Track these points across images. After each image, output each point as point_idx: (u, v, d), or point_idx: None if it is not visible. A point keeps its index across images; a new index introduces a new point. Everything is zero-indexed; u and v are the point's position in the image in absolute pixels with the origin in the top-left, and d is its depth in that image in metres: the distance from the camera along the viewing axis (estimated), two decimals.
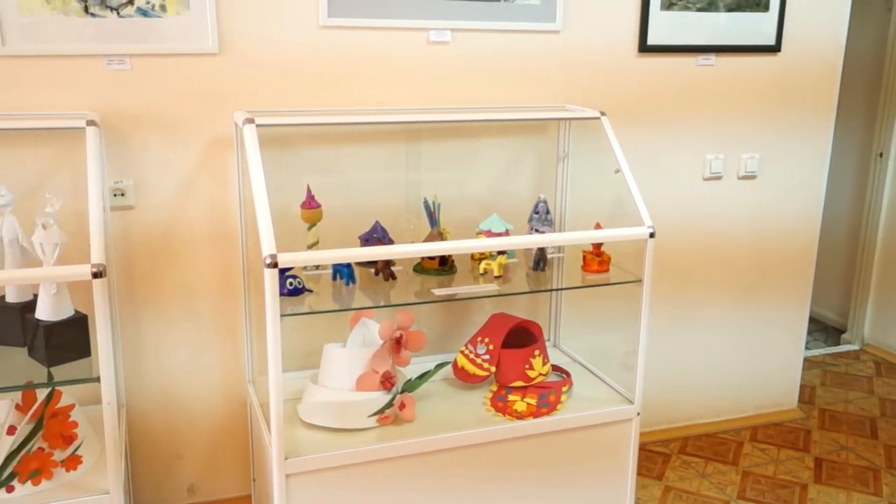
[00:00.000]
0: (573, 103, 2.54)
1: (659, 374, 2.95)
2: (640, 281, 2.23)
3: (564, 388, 2.32)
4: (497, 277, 2.29)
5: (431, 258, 2.30)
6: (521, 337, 2.38)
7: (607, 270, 2.38)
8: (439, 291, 2.20)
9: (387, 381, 2.14)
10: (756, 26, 2.72)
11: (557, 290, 2.62)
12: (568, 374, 2.44)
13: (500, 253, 2.30)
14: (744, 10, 2.69)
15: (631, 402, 2.31)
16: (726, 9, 2.66)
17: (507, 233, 2.29)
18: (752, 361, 3.11)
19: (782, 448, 3.00)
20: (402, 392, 2.21)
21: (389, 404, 2.15)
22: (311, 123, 2.28)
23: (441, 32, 2.36)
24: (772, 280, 3.04)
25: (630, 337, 2.33)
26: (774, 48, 2.77)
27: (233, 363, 2.43)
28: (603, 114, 2.33)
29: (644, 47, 2.60)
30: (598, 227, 2.40)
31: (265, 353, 1.91)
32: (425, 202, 2.34)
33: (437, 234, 2.30)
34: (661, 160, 2.75)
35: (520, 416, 2.20)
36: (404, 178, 2.45)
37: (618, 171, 2.26)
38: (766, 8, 2.71)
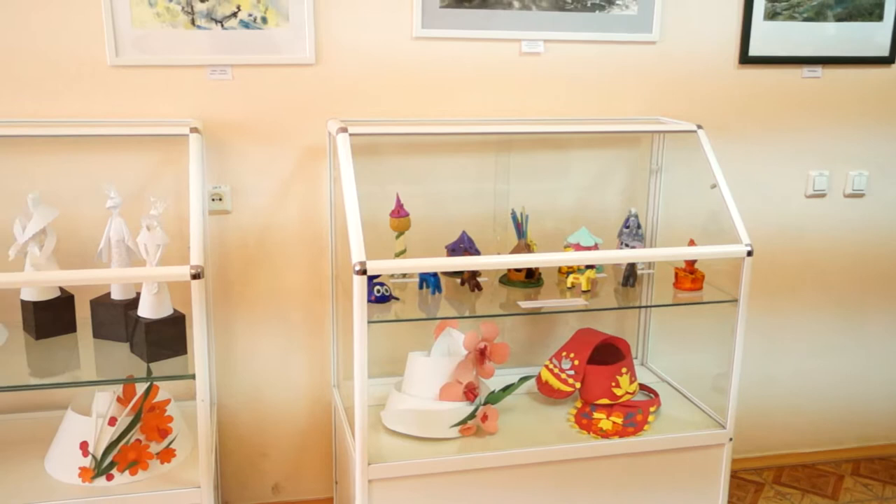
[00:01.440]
0: (668, 116, 2.49)
1: (753, 397, 2.83)
2: (735, 301, 2.16)
3: (652, 409, 2.27)
4: (585, 292, 2.25)
5: (518, 270, 2.29)
6: (608, 353, 2.33)
7: (700, 288, 2.31)
8: (525, 304, 2.18)
9: (470, 392, 2.14)
10: (868, 37, 2.59)
11: (647, 307, 2.55)
12: (656, 394, 2.38)
13: (589, 267, 2.27)
14: (855, 20, 2.57)
15: (723, 427, 2.23)
16: (835, 18, 2.55)
17: (596, 247, 2.25)
18: (854, 389, 2.95)
19: (888, 485, 2.83)
20: (485, 404, 2.20)
21: (472, 415, 2.15)
22: (402, 133, 2.31)
23: (534, 43, 2.36)
24: (878, 304, 2.88)
25: (723, 358, 2.25)
26: (888, 60, 2.63)
27: (319, 367, 2.48)
28: (700, 127, 2.27)
29: (745, 58, 2.51)
30: (691, 243, 2.34)
31: (351, 359, 1.94)
32: (513, 213, 2.34)
33: (525, 246, 2.29)
34: (761, 176, 2.65)
35: (605, 435, 2.16)
36: (492, 188, 2.45)
37: (714, 186, 2.19)
38: (879, 18, 2.59)
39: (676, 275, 2.32)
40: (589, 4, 2.35)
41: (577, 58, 2.40)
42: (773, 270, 2.74)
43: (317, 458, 2.56)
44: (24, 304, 2.08)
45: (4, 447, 2.12)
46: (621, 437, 2.15)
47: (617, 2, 2.36)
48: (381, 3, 2.24)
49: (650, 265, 2.45)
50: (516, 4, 2.31)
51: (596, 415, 2.24)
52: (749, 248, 2.11)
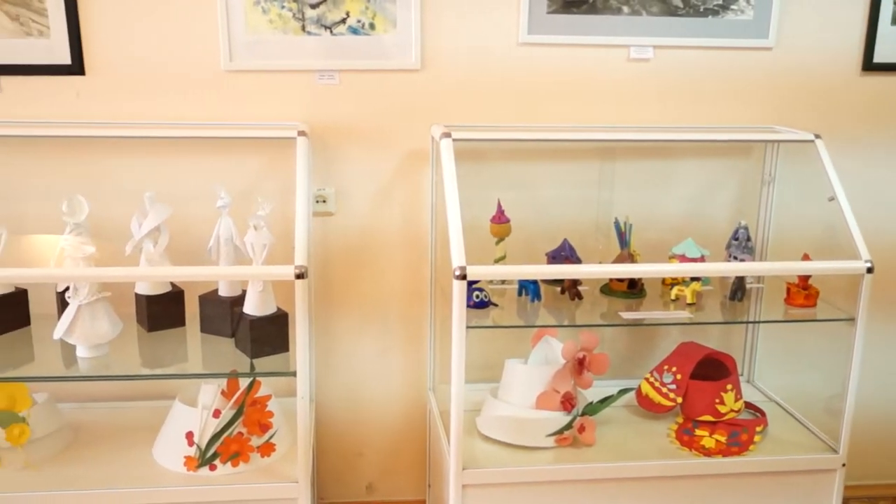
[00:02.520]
0: (782, 124, 2.38)
1: (869, 421, 2.68)
2: (852, 320, 2.04)
3: (758, 428, 2.17)
4: (690, 305, 2.18)
5: (620, 280, 2.24)
6: (712, 369, 2.25)
7: (814, 305, 2.20)
8: (627, 315, 2.13)
9: (567, 402, 2.11)
10: None
11: (756, 322, 2.45)
12: (763, 414, 2.28)
13: (695, 279, 2.20)
14: None
15: (835, 451, 2.12)
16: None
17: (702, 259, 2.18)
18: None
19: None
20: (583, 414, 2.16)
21: (569, 426, 2.11)
22: (506, 139, 2.30)
23: (643, 49, 2.30)
24: None
25: (836, 378, 2.13)
26: None
27: (416, 369, 2.49)
28: (818, 136, 2.17)
29: (869, 65, 2.38)
30: (805, 258, 2.23)
31: (447, 363, 1.94)
32: (616, 222, 2.29)
33: (628, 256, 2.24)
34: (883, 188, 2.51)
35: (707, 453, 2.08)
36: (596, 196, 2.40)
37: (832, 198, 2.09)
38: None
39: (788, 290, 2.21)
40: (702, 9, 2.28)
41: (688, 64, 2.34)
42: (893, 287, 2.59)
43: (411, 459, 2.57)
44: (138, 297, 2.17)
45: (116, 433, 2.22)
46: (725, 456, 2.07)
47: (732, 6, 2.28)
48: (487, 9, 2.24)
49: (760, 279, 2.35)
50: (625, 10, 2.26)
51: (698, 432, 2.16)
52: (869, 265, 2.00)
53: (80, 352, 2.02)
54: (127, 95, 2.21)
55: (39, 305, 2.20)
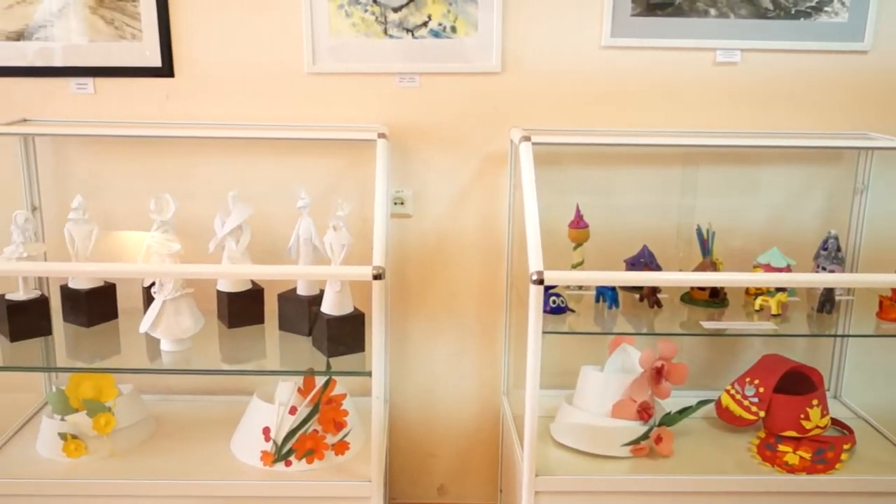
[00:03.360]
0: (877, 131, 2.29)
1: None
2: None
3: (846, 446, 2.09)
4: (774, 316, 2.11)
5: (702, 289, 2.18)
6: (796, 383, 2.17)
7: None
8: (708, 324, 2.08)
9: (644, 412, 2.06)
10: None
11: (845, 336, 2.36)
12: (850, 431, 2.19)
13: (780, 290, 2.13)
14: None
15: None
16: None
17: (788, 268, 2.11)
18: None
19: None
20: (660, 425, 2.11)
21: (645, 436, 2.07)
22: (587, 144, 2.27)
23: (730, 53, 2.24)
24: None
25: None
26: None
27: (490, 373, 2.48)
28: None
29: None
30: None
31: (522, 367, 1.92)
32: (698, 229, 2.23)
33: (710, 264, 2.18)
34: None
35: (791, 470, 2.01)
36: (677, 203, 2.35)
37: None
38: None
39: (881, 303, 2.12)
40: (793, 12, 2.21)
41: (777, 68, 2.26)
42: None
43: (483, 463, 2.56)
44: (220, 294, 2.22)
45: (196, 426, 2.27)
46: (809, 473, 2.00)
47: (825, 8, 2.20)
48: (570, 12, 2.22)
49: (850, 291, 2.26)
50: (713, 12, 2.21)
51: (781, 447, 2.09)
52: None
53: (164, 346, 2.07)
54: (213, 97, 2.26)
55: (127, 300, 2.28)
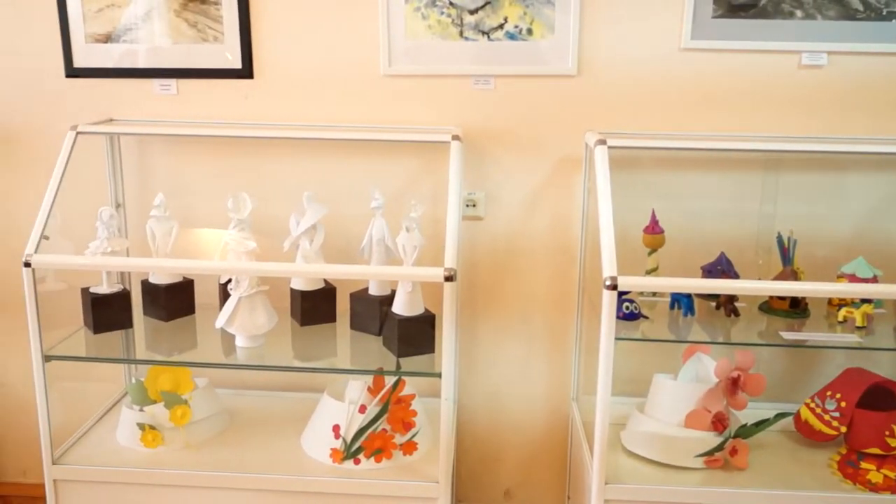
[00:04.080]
0: None
1: None
2: None
3: None
4: (859, 328, 2.04)
5: (782, 298, 2.12)
6: (881, 398, 2.09)
7: None
8: (788, 335, 2.01)
9: (719, 423, 2.01)
10: None
11: None
12: None
13: (865, 301, 2.05)
14: None
15: None
16: None
17: (874, 279, 2.03)
18: None
19: None
20: (735, 437, 2.06)
21: (720, 447, 2.02)
22: (665, 148, 2.22)
23: (816, 55, 2.17)
24: None
25: None
26: None
27: (559, 378, 2.46)
28: None
29: None
30: None
31: (592, 373, 1.90)
32: (779, 237, 2.17)
33: (791, 273, 2.12)
34: None
35: (874, 489, 1.93)
36: (757, 209, 2.29)
37: None
38: None
39: None
40: (884, 13, 2.12)
41: (867, 71, 2.18)
42: None
43: (550, 468, 2.54)
44: (293, 292, 2.26)
45: (268, 421, 2.31)
46: (894, 493, 1.92)
47: None
48: (649, 14, 2.18)
49: None
50: (798, 14, 2.14)
51: (864, 465, 2.01)
52: None
53: (239, 341, 2.12)
54: (290, 98, 2.30)
55: (204, 295, 2.33)
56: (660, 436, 2.05)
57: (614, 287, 1.81)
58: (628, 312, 2.09)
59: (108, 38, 2.28)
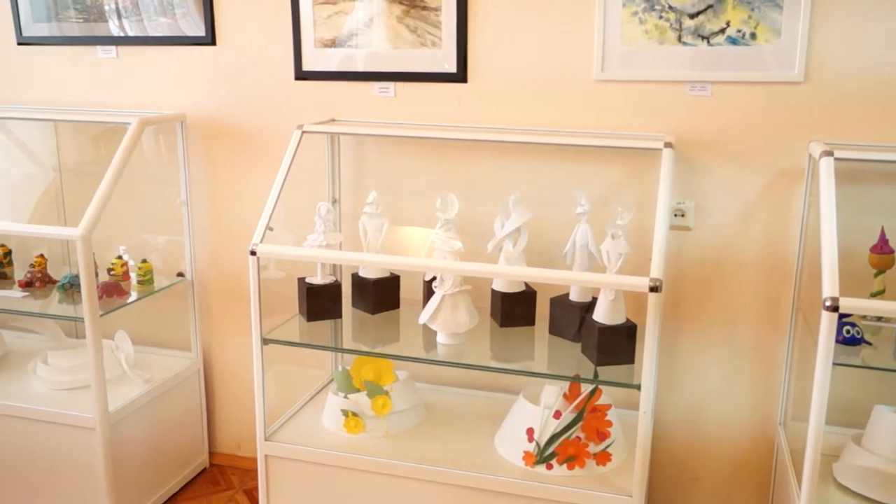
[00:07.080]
0: None
1: None
2: None
3: None
4: None
5: None
6: None
7: None
8: None
9: None
10: None
11: None
12: None
13: None
14: None
15: None
16: None
17: None
18: None
19: None
20: None
21: None
22: None
23: None
24: None
25: None
26: None
27: (764, 400, 2.33)
28: None
29: None
30: None
31: (804, 398, 1.79)
32: None
33: None
34: None
35: None
36: None
37: None
38: None
39: None
40: None
41: None
42: None
43: (749, 495, 2.41)
44: (494, 293, 2.30)
45: (463, 418, 2.37)
46: None
47: None
48: (885, 19, 2.01)
49: None
50: None
51: None
52: None
53: (440, 338, 2.18)
54: (502, 102, 2.34)
55: (408, 291, 2.43)
56: (879, 472, 1.90)
57: (835, 309, 1.69)
58: (849, 336, 1.95)
59: (333, 43, 2.43)
